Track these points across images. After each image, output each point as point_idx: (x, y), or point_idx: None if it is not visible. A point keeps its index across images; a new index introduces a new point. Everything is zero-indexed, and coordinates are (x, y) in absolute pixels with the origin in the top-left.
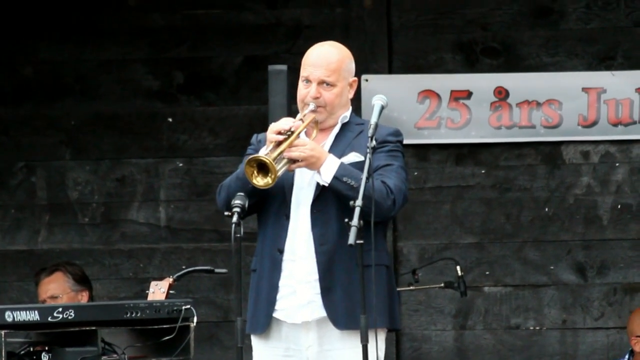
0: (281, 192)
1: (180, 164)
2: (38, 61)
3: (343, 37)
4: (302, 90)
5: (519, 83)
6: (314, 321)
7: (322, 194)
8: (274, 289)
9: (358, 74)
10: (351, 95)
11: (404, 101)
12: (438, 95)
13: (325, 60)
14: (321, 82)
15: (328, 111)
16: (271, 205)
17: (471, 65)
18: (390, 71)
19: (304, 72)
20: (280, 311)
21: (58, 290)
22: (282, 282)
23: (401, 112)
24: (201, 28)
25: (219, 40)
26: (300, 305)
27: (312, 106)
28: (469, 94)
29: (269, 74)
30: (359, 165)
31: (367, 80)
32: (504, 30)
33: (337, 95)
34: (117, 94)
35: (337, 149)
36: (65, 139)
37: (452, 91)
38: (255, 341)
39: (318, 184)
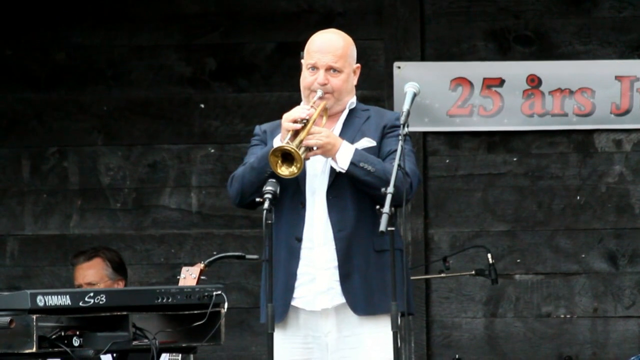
0: (294, 181)
1: (212, 150)
2: (71, 47)
3: (375, 24)
4: (308, 77)
5: (551, 71)
6: (333, 308)
7: (336, 180)
8: (292, 277)
9: (391, 60)
10: (355, 81)
11: (437, 88)
12: (470, 83)
13: (332, 46)
14: (329, 68)
15: (336, 97)
16: (285, 194)
17: (504, 53)
18: (423, 58)
19: (309, 59)
20: (298, 299)
21: (96, 278)
22: (301, 270)
23: (433, 100)
24: (233, 14)
25: (252, 27)
26: (319, 292)
27: (319, 93)
28: (501, 82)
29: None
30: (371, 151)
31: (399, 67)
32: (536, 18)
33: (344, 81)
34: (150, 80)
35: (347, 135)
36: (97, 125)
37: (484, 79)
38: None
39: (332, 170)
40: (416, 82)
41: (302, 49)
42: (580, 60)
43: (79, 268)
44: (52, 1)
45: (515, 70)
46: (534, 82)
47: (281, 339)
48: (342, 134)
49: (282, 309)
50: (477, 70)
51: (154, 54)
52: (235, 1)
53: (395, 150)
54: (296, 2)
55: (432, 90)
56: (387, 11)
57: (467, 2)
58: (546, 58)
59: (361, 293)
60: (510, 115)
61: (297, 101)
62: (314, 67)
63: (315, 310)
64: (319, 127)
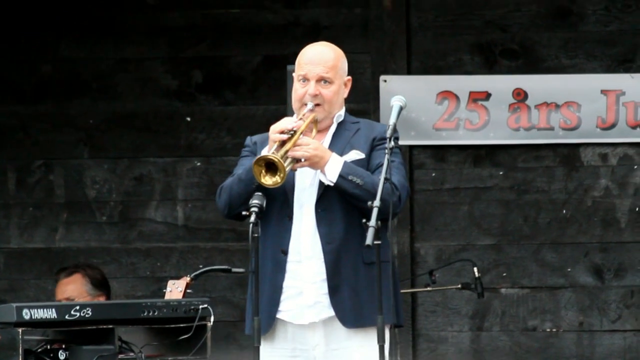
0: (282, 194)
1: (198, 163)
2: (57, 59)
3: (362, 38)
4: (299, 89)
5: (537, 85)
6: (321, 321)
7: (325, 193)
8: (277, 290)
9: (377, 74)
10: (346, 94)
11: (423, 102)
12: (457, 97)
13: (322, 57)
14: (320, 79)
15: (326, 109)
16: (272, 207)
17: (490, 66)
18: (409, 72)
19: (300, 70)
20: (285, 312)
21: (74, 293)
22: (287, 283)
23: (420, 113)
24: (220, 27)
25: (238, 40)
26: (306, 306)
27: (310, 105)
28: (487, 96)
29: (287, 74)
30: (360, 163)
31: (385, 81)
32: (522, 32)
33: (335, 92)
34: (136, 93)
35: (336, 147)
36: (83, 137)
37: (470, 92)
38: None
39: (321, 183)
40: (402, 95)
41: (289, 62)
42: (567, 74)
43: (60, 284)
44: (39, 14)
45: (501, 84)
46: (520, 95)
47: (269, 352)
48: (331, 147)
49: (267, 322)
50: (463, 83)
51: (140, 67)
52: (221, 14)
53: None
54: (282, 15)
55: (418, 104)
56: (373, 24)
57: (454, 15)
58: (532, 72)
59: (350, 305)
60: (496, 129)
61: (283, 114)
62: (305, 79)
63: (303, 323)
64: (308, 138)
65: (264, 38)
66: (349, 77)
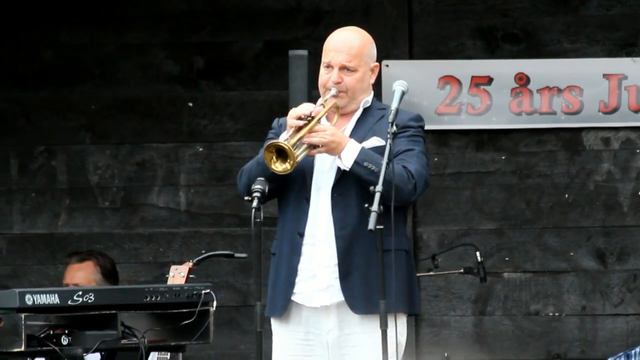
0: (301, 176)
1: (201, 149)
2: (58, 45)
3: (363, 23)
4: (324, 75)
5: (539, 69)
6: (334, 305)
7: (342, 178)
8: (292, 272)
9: (379, 59)
10: (372, 80)
11: (425, 87)
12: (459, 81)
13: (347, 45)
14: (342, 67)
15: (349, 96)
16: (292, 189)
17: (492, 51)
18: (411, 57)
19: (325, 57)
20: (299, 294)
21: (83, 281)
22: (302, 266)
23: (421, 98)
24: (221, 13)
25: (240, 25)
26: (319, 289)
27: (333, 91)
28: (489, 80)
29: (289, 59)
30: (380, 150)
31: (387, 65)
32: (524, 17)
33: (359, 80)
34: (137, 79)
35: (358, 133)
36: (85, 123)
37: (472, 77)
38: (275, 325)
39: (339, 167)
40: (404, 80)
41: (291, 47)
42: (569, 59)
43: (70, 268)
44: (40, 0)
45: (503, 69)
46: (522, 80)
47: (283, 333)
48: (354, 133)
49: (283, 304)
50: (465, 68)
51: (142, 53)
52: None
53: (405, 151)
54: (284, 0)
55: (420, 89)
56: (375, 10)
57: (455, 0)
58: (534, 56)
59: (360, 292)
60: (498, 113)
61: (285, 99)
62: (329, 66)
63: (316, 306)
64: (325, 124)
65: (265, 23)
66: (376, 64)
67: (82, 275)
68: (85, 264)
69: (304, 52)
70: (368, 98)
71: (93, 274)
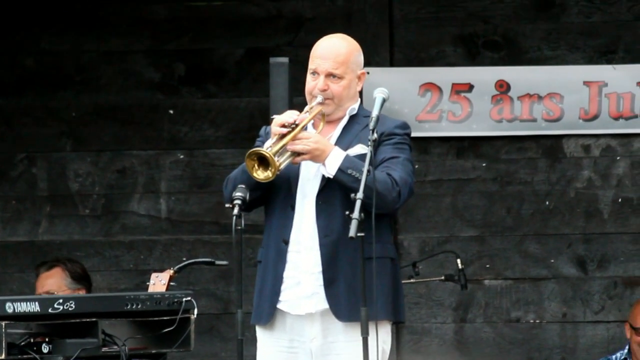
0: (287, 184)
1: (181, 156)
2: (39, 52)
3: (344, 30)
4: (310, 82)
5: (520, 76)
6: (318, 313)
7: (327, 185)
8: (278, 279)
9: None
10: (359, 87)
11: (406, 94)
12: (439, 88)
13: (333, 52)
14: (329, 75)
15: (336, 103)
16: (277, 196)
17: (472, 58)
18: (392, 64)
19: (311, 64)
20: (284, 302)
21: (54, 287)
22: (287, 274)
23: (402, 105)
24: (203, 20)
25: (221, 32)
26: (303, 297)
27: (319, 98)
28: (470, 87)
29: (270, 66)
30: (364, 157)
31: (368, 72)
32: (505, 24)
33: (345, 87)
34: (118, 85)
35: (344, 141)
36: (66, 130)
37: (453, 84)
38: (260, 332)
39: (323, 175)
40: (385, 87)
41: (272, 54)
42: (549, 66)
43: (40, 278)
44: (21, 6)
45: (484, 76)
46: (503, 87)
47: (268, 341)
48: (340, 140)
49: (269, 311)
50: (446, 75)
51: (123, 59)
52: (204, 6)
53: (390, 158)
54: (265, 7)
55: (401, 96)
56: (356, 16)
57: (436, 7)
58: (515, 63)
59: (345, 299)
60: (479, 120)
61: (266, 106)
62: (315, 72)
63: (300, 314)
64: (310, 132)
65: (246, 30)
66: (363, 71)
67: (53, 282)
68: (54, 270)
69: (285, 60)
70: (354, 105)
71: (63, 278)
